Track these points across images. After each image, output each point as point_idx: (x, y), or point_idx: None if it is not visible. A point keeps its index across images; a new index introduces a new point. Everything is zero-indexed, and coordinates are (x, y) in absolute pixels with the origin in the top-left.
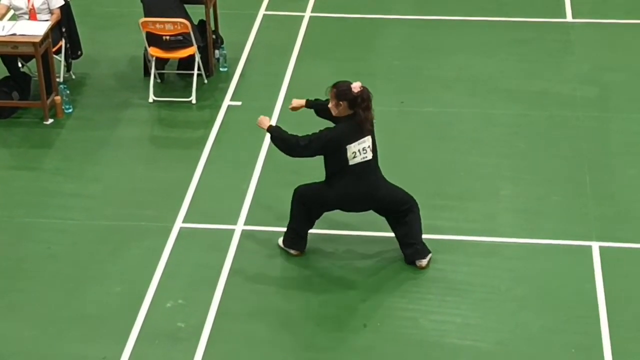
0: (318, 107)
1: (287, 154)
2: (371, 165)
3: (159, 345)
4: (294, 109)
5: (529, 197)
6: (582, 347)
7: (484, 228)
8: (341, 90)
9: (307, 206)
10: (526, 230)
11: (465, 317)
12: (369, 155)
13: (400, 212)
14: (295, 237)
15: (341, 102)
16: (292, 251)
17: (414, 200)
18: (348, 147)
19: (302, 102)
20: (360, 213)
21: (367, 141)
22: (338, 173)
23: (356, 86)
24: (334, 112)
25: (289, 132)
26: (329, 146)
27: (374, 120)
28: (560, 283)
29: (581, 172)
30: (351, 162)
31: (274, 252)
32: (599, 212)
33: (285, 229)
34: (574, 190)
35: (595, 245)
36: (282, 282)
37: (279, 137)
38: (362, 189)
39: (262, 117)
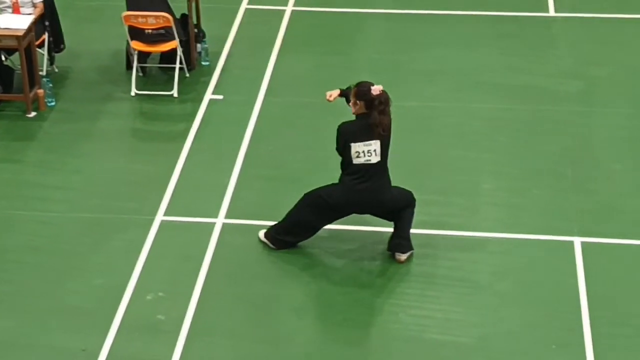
0: (348, 96)
1: None
2: (375, 170)
3: (140, 337)
4: (331, 100)
5: (511, 192)
6: (563, 342)
7: (466, 222)
8: (361, 90)
9: (316, 206)
10: (508, 225)
11: (446, 312)
12: (374, 159)
13: (398, 211)
14: (283, 237)
15: (359, 102)
16: (270, 245)
17: (413, 199)
18: (352, 145)
19: (337, 92)
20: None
21: (373, 145)
22: (345, 169)
23: (376, 89)
24: (352, 110)
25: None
26: (339, 140)
27: (390, 126)
28: (542, 278)
29: (564, 166)
30: (355, 161)
31: (254, 246)
32: (581, 207)
33: (269, 223)
34: (556, 184)
35: (577, 241)
36: (263, 275)
37: None
38: (364, 191)
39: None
